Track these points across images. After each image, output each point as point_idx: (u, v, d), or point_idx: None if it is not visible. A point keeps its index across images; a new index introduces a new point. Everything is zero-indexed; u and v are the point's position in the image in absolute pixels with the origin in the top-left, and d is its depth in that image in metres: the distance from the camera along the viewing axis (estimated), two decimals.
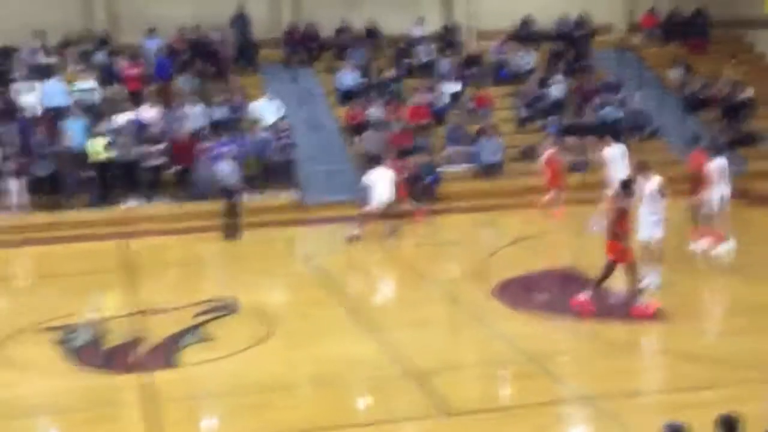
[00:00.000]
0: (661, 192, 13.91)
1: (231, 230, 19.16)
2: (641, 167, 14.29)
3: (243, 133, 22.15)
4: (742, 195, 19.88)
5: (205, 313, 13.98)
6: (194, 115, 22.77)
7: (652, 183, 13.85)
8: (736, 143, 24.44)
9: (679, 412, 9.92)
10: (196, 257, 18.83)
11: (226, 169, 19.06)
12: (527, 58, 26.54)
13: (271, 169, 21.95)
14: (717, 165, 16.21)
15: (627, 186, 13.06)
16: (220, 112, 23.14)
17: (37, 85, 23.16)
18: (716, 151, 16.59)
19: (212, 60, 24.68)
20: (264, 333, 13.01)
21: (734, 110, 25.05)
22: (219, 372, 11.74)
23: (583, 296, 13.09)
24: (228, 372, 11.70)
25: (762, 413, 8.93)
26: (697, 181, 16.54)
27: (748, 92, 25.56)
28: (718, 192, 16.13)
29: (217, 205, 20.24)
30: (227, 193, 19.24)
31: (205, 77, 24.68)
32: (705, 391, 10.44)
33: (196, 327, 13.35)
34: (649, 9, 28.52)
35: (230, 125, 22.82)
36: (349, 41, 26.45)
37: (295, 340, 12.92)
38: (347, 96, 24.88)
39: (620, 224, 12.68)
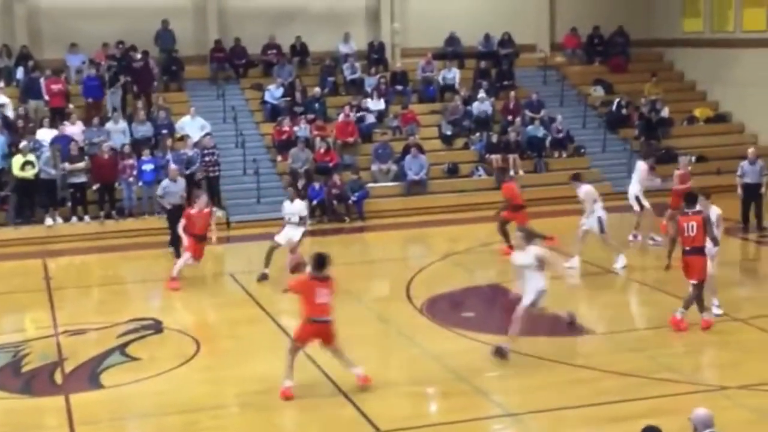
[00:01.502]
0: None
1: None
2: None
3: (167, 150, 21.88)
4: (661, 212, 20.28)
5: (129, 333, 13.77)
6: (117, 133, 22.46)
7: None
8: (656, 160, 24.96)
9: (604, 425, 10.13)
10: (119, 276, 18.53)
11: (171, 187, 18.60)
12: (452, 76, 26.81)
13: (196, 186, 21.71)
14: (585, 191, 16.45)
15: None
16: (143, 129, 22.87)
17: None
18: (578, 178, 16.94)
19: (136, 76, 24.38)
20: (190, 352, 12.85)
21: (653, 128, 25.61)
22: (144, 393, 11.55)
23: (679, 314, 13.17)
24: (153, 393, 11.53)
25: (683, 425, 9.11)
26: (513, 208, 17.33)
27: (667, 110, 26.19)
28: (594, 216, 16.31)
29: (140, 224, 20.02)
30: (172, 210, 18.71)
31: (129, 94, 24.38)
32: (628, 404, 10.61)
33: (120, 347, 13.13)
34: (571, 29, 29.04)
35: (154, 142, 22.57)
36: (275, 58, 26.39)
37: (222, 359, 12.79)
38: (274, 113, 24.82)
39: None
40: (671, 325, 13.01)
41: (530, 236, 12.54)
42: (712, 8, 27.47)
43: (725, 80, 26.78)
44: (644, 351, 12.37)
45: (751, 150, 19.48)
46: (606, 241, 16.58)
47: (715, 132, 26.62)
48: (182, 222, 16.56)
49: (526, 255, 12.13)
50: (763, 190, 18.62)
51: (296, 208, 16.91)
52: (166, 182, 18.66)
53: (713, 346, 12.70)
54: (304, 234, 16.95)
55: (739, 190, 18.81)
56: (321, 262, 11.28)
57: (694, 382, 11.19)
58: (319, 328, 11.11)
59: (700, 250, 12.79)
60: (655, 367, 11.72)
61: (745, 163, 18.91)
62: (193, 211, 16.55)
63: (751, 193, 18.63)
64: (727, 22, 27.02)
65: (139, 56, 24.49)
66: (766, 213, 19.17)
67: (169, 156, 21.50)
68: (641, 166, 18.73)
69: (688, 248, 12.86)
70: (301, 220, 16.85)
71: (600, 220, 16.32)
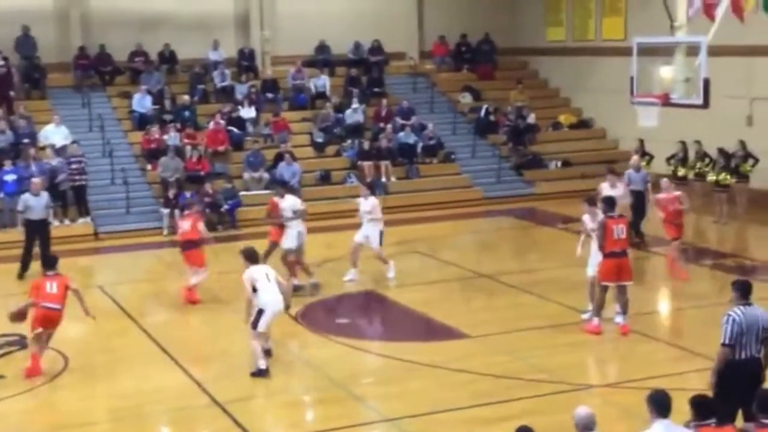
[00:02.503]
0: None
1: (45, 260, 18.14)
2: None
3: (30, 159, 21.17)
4: (530, 216, 20.85)
5: None
6: None
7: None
8: (522, 166, 25.63)
9: (479, 427, 10.31)
10: None
11: (32, 201, 17.80)
12: (323, 84, 26.85)
13: (62, 196, 21.13)
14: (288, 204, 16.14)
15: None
16: (3, 139, 22.09)
17: None
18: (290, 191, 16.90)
19: None
20: (58, 368, 12.47)
21: (520, 134, 26.23)
22: (9, 412, 11.15)
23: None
24: (19, 412, 11.16)
25: (556, 424, 9.35)
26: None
27: (533, 117, 26.87)
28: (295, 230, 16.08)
29: (2, 236, 19.35)
30: (34, 225, 17.95)
31: None
32: (502, 405, 10.82)
33: None
34: (439, 37, 29.47)
35: (15, 152, 21.82)
36: (143, 65, 25.90)
37: (92, 374, 12.46)
38: (142, 121, 24.34)
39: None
40: (589, 332, 13.26)
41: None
42: (573, 18, 28.35)
43: (587, 87, 27.66)
44: (516, 353, 12.64)
45: (634, 158, 19.72)
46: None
47: (579, 137, 27.47)
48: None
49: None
50: (649, 196, 18.71)
51: (370, 204, 16.52)
52: (26, 196, 17.79)
53: (581, 346, 13.05)
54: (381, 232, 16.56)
55: (628, 199, 18.81)
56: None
57: (564, 382, 11.49)
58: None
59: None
60: (527, 369, 11.99)
61: (630, 171, 19.07)
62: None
63: (638, 200, 18.84)
64: (587, 31, 27.92)
65: (9, 63, 23.65)
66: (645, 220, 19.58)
67: (33, 167, 20.82)
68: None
69: (619, 250, 13.03)
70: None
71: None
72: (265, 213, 17.18)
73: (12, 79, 23.92)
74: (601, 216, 13.32)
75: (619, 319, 13.33)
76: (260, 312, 12.03)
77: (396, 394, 11.43)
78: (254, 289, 12.00)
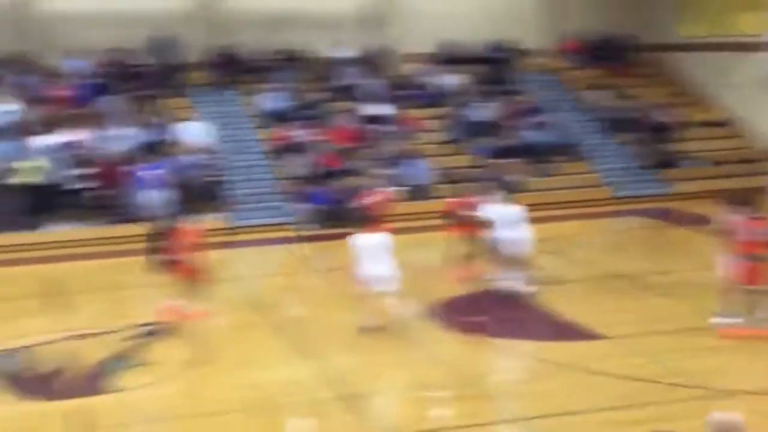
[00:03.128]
0: None
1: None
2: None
3: (170, 156, 21.81)
4: (664, 216, 20.32)
5: (134, 337, 13.70)
6: (120, 138, 22.41)
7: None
8: (658, 165, 25.00)
9: (615, 429, 10.07)
10: (123, 281, 18.44)
11: (155, 197, 18.61)
12: (453, 81, 26.77)
13: (198, 192, 21.70)
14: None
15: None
16: (147, 135, 22.82)
17: None
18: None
19: (138, 82, 24.33)
20: (195, 358, 12.78)
21: (655, 132, 25.59)
22: (149, 398, 11.48)
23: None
24: (158, 397, 11.46)
25: (693, 430, 9.05)
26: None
27: (669, 114, 26.18)
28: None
29: (142, 229, 19.93)
30: (157, 220, 18.75)
31: (132, 99, 24.34)
32: (638, 408, 10.55)
33: (125, 352, 13.07)
34: (572, 33, 29.03)
35: (157, 148, 22.51)
36: (274, 63, 26.35)
37: (227, 364, 12.71)
38: (272, 118, 24.77)
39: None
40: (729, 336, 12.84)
41: None
42: (713, 12, 27.48)
43: (727, 84, 26.76)
44: (653, 355, 12.31)
45: None
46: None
47: (717, 136, 26.60)
48: None
49: None
50: None
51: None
52: (153, 193, 18.65)
53: (721, 351, 12.61)
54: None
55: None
56: None
57: (703, 387, 11.12)
58: None
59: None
60: (664, 372, 11.66)
61: None
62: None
63: None
64: (728, 26, 27.00)
65: (151, 63, 24.45)
66: None
67: (170, 163, 21.46)
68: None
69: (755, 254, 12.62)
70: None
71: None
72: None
73: (156, 78, 24.69)
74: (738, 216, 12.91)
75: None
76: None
77: (529, 394, 11.28)
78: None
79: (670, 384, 11.23)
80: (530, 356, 12.41)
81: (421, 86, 26.80)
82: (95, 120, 23.28)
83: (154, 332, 14.04)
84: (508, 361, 12.54)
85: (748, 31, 25.92)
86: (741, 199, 13.66)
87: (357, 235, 13.35)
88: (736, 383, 11.52)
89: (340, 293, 16.22)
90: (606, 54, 28.90)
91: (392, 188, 19.26)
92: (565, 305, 14.78)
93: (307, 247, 18.53)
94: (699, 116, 27.07)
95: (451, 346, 13.18)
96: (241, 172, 23.13)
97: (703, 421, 7.14)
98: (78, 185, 21.01)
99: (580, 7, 29.19)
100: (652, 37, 29.28)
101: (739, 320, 12.98)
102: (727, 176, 23.54)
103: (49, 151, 21.40)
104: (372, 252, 13.18)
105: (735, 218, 12.91)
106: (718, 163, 25.03)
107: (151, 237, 18.50)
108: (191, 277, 14.10)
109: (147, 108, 23.92)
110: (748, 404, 10.64)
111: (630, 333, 13.34)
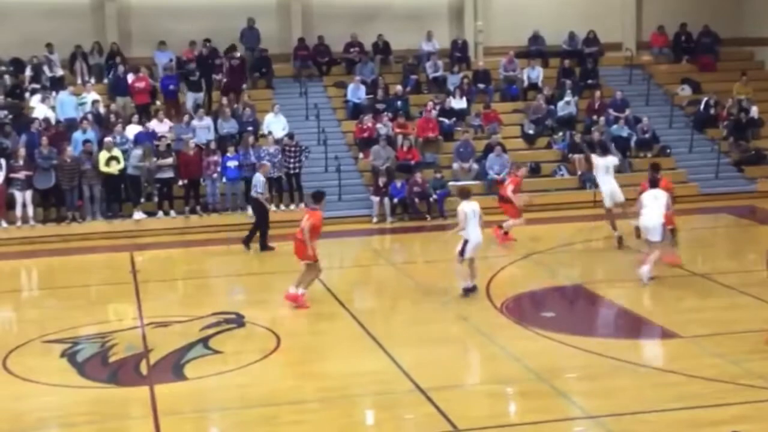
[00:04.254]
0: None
1: (264, 241, 19.25)
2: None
3: (249, 147, 22.11)
4: (749, 214, 19.90)
5: (212, 326, 13.98)
6: (202, 129, 22.83)
7: None
8: (745, 162, 24.47)
9: (688, 430, 9.94)
10: (202, 270, 18.83)
11: (261, 181, 19.03)
12: (535, 75, 26.60)
13: (280, 182, 21.99)
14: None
15: None
16: (228, 126, 23.20)
17: (51, 97, 23.32)
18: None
19: (222, 74, 24.73)
20: (271, 347, 13.00)
21: (742, 128, 25.05)
22: (225, 385, 11.72)
23: None
24: (234, 385, 11.69)
25: None
26: None
27: (756, 110, 25.59)
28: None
29: (223, 219, 20.40)
30: (261, 204, 19.18)
31: (215, 91, 24.77)
32: (712, 409, 10.40)
33: (203, 340, 13.35)
34: (658, 27, 28.55)
35: (239, 139, 22.87)
36: (358, 56, 26.51)
37: (303, 354, 12.91)
38: (356, 110, 24.93)
39: None
40: None
41: None
42: None
43: None
44: (729, 356, 12.10)
45: None
46: None
47: None
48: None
49: None
50: None
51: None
52: (258, 176, 19.11)
53: None
54: None
55: None
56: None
57: None
58: None
59: None
60: (741, 373, 11.46)
61: None
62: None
63: None
64: None
65: (237, 55, 24.85)
66: None
67: (252, 154, 21.78)
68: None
69: None
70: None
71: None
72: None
73: (244, 70, 25.07)
74: None
75: None
76: (465, 242, 14.58)
77: (600, 392, 11.20)
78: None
79: (746, 385, 11.04)
80: (603, 353, 12.31)
81: (506, 80, 26.66)
82: (177, 111, 23.77)
83: (231, 321, 14.31)
84: (581, 357, 12.46)
85: None
86: None
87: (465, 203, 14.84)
88: None
89: (417, 286, 16.32)
90: (694, 48, 28.35)
91: (523, 170, 19.65)
92: (642, 303, 14.62)
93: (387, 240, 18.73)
94: None
95: (525, 342, 13.15)
96: (322, 163, 23.33)
97: None
98: (161, 175, 21.46)
99: (669, 1, 28.66)
100: (742, 30, 28.62)
101: None
102: None
103: (133, 141, 21.90)
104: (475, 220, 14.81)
105: None
106: None
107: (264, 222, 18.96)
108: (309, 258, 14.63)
109: (231, 99, 24.28)
110: None
111: (706, 333, 13.13)
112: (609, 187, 18.23)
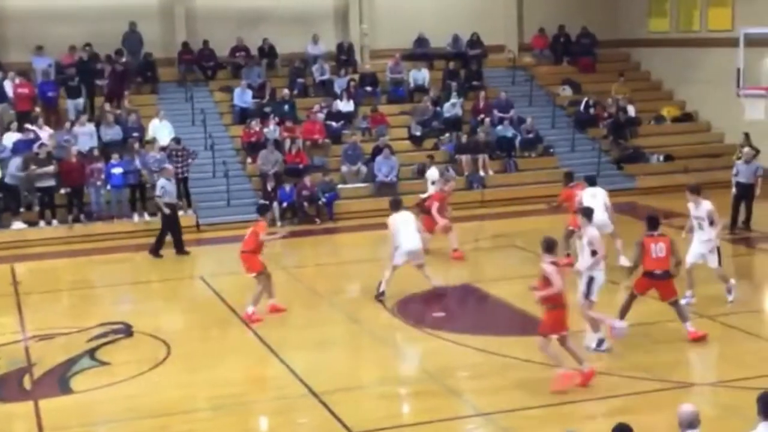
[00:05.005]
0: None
1: (178, 246, 19.01)
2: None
3: (134, 153, 21.71)
4: (629, 211, 20.48)
5: (99, 337, 13.67)
6: (85, 136, 22.30)
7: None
8: (625, 160, 25.20)
9: (575, 423, 10.18)
10: (87, 280, 18.39)
11: (168, 186, 18.72)
12: (421, 77, 26.86)
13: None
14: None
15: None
16: (112, 133, 22.71)
17: None
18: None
19: (111, 79, 24.20)
20: (161, 356, 12.79)
21: (621, 127, 25.79)
22: (114, 397, 11.47)
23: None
24: (124, 397, 11.45)
25: (654, 423, 9.19)
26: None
27: (634, 110, 26.40)
28: None
29: (108, 227, 20.00)
30: (170, 208, 18.85)
31: (97, 96, 24.22)
32: (600, 401, 10.68)
33: (89, 352, 13.05)
34: (539, 29, 29.18)
35: (122, 145, 22.41)
36: (244, 60, 26.31)
37: (194, 362, 12.72)
38: (243, 115, 24.73)
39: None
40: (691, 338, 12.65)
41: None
42: (678, 8, 27.73)
43: (691, 79, 27.04)
44: (614, 349, 12.43)
45: (746, 149, 19.50)
46: None
47: (682, 131, 26.86)
48: None
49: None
50: (757, 191, 18.58)
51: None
52: (163, 181, 18.87)
53: (682, 344, 12.77)
54: None
55: (733, 189, 18.84)
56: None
57: (664, 380, 11.27)
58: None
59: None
60: (626, 366, 11.79)
61: (739, 163, 18.94)
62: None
63: (744, 192, 18.65)
64: (692, 22, 27.28)
65: (123, 59, 24.33)
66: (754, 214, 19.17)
67: (137, 160, 21.40)
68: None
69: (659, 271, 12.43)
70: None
71: None
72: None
73: (126, 75, 24.56)
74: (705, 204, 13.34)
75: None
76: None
77: (491, 389, 11.37)
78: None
79: (631, 377, 11.37)
80: (493, 351, 12.51)
81: (392, 82, 26.85)
82: (58, 118, 23.16)
83: (119, 331, 14.02)
84: (472, 356, 12.63)
85: (714, 27, 26.16)
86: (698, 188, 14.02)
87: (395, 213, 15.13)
88: (694, 376, 11.68)
89: (308, 290, 16.28)
90: (574, 49, 29.07)
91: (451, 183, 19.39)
92: (529, 300, 14.87)
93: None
94: (665, 111, 27.30)
95: (417, 342, 13.26)
96: (210, 168, 23.05)
97: (664, 414, 7.28)
98: (42, 183, 20.86)
99: (549, 3, 29.32)
100: (618, 32, 29.50)
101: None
102: (690, 171, 23.78)
103: (12, 148, 21.24)
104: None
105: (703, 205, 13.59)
106: (682, 157, 25.25)
107: (169, 227, 18.68)
108: None
109: (114, 105, 23.79)
110: (706, 396, 10.80)
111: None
112: None
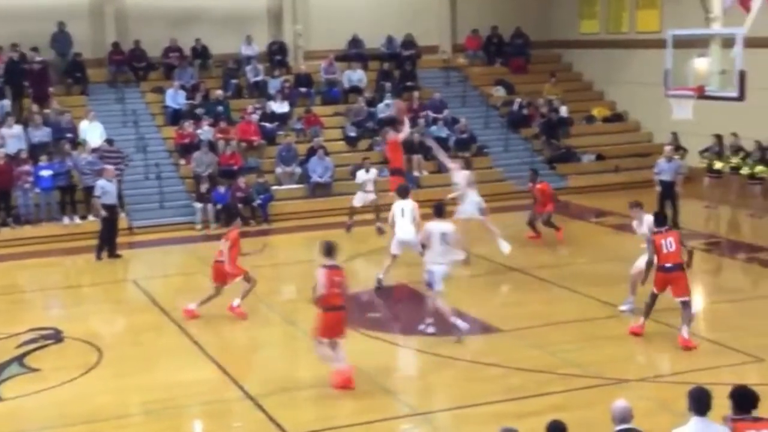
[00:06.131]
0: None
1: (111, 248, 18.67)
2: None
3: (65, 155, 21.34)
4: (562, 209, 20.73)
5: (28, 343, 13.41)
6: (12, 138, 21.85)
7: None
8: (555, 160, 25.49)
9: (511, 421, 10.24)
10: (16, 285, 18.03)
11: (108, 187, 18.43)
12: (356, 78, 26.86)
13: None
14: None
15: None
16: (40, 134, 22.30)
17: None
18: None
19: (32, 80, 23.75)
20: (92, 361, 12.58)
21: (553, 127, 26.09)
22: (45, 404, 11.27)
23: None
24: (54, 404, 11.26)
25: (588, 419, 9.30)
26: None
27: (566, 110, 26.72)
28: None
29: (37, 231, 19.61)
30: (108, 211, 18.54)
31: (25, 98, 23.75)
32: (534, 399, 10.78)
33: (18, 358, 12.79)
34: (472, 30, 29.37)
35: (52, 147, 22.01)
36: (176, 61, 26.03)
37: (126, 367, 12.55)
38: (176, 116, 24.47)
39: None
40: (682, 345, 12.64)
41: None
42: (607, 10, 28.14)
43: (621, 80, 27.45)
44: (548, 347, 12.58)
45: (667, 148, 19.98)
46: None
47: (613, 131, 27.25)
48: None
49: None
50: (678, 188, 19.00)
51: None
52: (102, 182, 18.58)
53: (613, 340, 12.96)
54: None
55: (657, 187, 19.24)
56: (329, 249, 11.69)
57: (597, 376, 11.42)
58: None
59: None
60: (560, 363, 11.93)
61: (662, 161, 19.34)
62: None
63: (667, 190, 19.04)
64: (622, 24, 27.70)
65: (38, 59, 23.88)
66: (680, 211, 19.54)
67: (68, 162, 21.05)
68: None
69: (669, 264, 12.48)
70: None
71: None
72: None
73: (48, 75, 24.10)
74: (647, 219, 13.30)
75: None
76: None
77: (427, 388, 11.42)
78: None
79: (564, 374, 11.50)
80: (429, 351, 12.55)
81: (326, 83, 26.79)
82: None
83: (48, 336, 13.77)
84: (407, 356, 12.67)
85: (643, 28, 26.59)
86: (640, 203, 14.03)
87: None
88: (628, 372, 11.85)
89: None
90: (506, 50, 29.31)
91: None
92: (463, 299, 14.99)
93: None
94: (596, 111, 27.68)
95: (352, 343, 13.22)
96: (142, 170, 22.76)
97: (598, 410, 7.38)
98: None
99: (482, 4, 29.52)
100: (550, 33, 29.84)
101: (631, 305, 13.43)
102: (621, 170, 24.17)
103: None
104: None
105: (645, 218, 13.42)
106: (613, 157, 25.62)
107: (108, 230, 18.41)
108: None
109: (42, 106, 23.35)
110: (638, 392, 10.96)
111: (525, 326, 13.60)
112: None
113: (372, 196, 20.59)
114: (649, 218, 13.41)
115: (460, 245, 13.95)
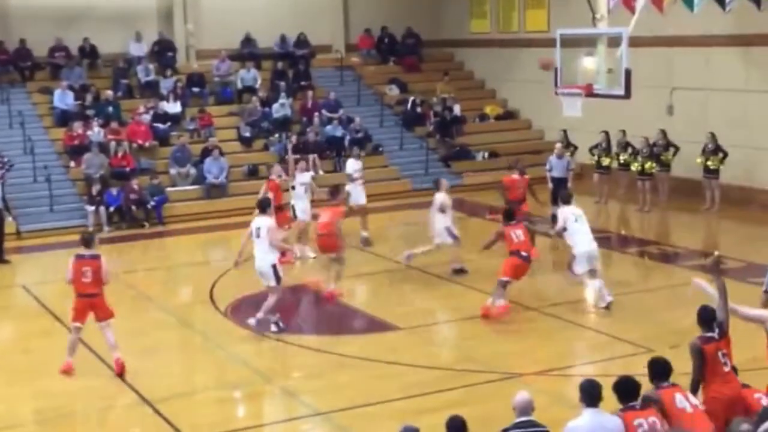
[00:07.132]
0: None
1: None
2: None
3: None
4: (457, 207, 20.95)
5: None
6: None
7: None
8: (450, 158, 25.79)
9: (411, 418, 10.32)
10: None
11: None
12: (250, 77, 26.66)
13: None
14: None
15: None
16: None
17: None
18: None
19: None
20: None
21: (447, 126, 26.38)
22: None
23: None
24: None
25: (486, 413, 9.44)
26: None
27: (459, 108, 27.04)
28: None
29: None
30: None
31: None
32: (433, 396, 10.88)
33: None
34: (365, 30, 29.47)
35: None
36: (64, 60, 25.40)
37: (16, 374, 12.22)
38: (64, 117, 23.87)
39: None
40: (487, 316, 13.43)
41: None
42: (497, 9, 28.60)
43: (512, 78, 27.92)
44: (445, 343, 12.72)
45: (558, 145, 20.37)
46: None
47: (505, 128, 27.72)
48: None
49: None
50: (569, 184, 19.39)
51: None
52: None
53: (510, 335, 13.19)
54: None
55: (549, 184, 19.63)
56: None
57: (494, 371, 11.59)
58: None
59: None
60: (457, 359, 12.08)
61: (552, 158, 19.73)
62: None
63: (558, 187, 19.38)
64: (512, 23, 28.19)
65: None
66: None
67: None
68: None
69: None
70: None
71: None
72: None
73: None
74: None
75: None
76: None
77: (327, 388, 11.42)
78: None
79: (462, 370, 11.65)
80: (328, 350, 12.56)
81: (220, 83, 26.52)
82: None
83: None
84: (307, 356, 12.65)
85: (532, 28, 27.10)
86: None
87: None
88: (524, 366, 12.08)
89: (139, 295, 15.90)
90: (399, 49, 29.52)
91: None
92: (361, 298, 15.07)
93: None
94: (488, 109, 28.09)
95: (251, 344, 13.16)
96: (30, 173, 22.13)
97: (496, 404, 7.52)
98: None
99: (374, 4, 29.65)
100: (442, 33, 30.16)
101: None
102: (512, 168, 24.49)
103: None
104: None
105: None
106: (505, 154, 26.03)
107: None
108: None
109: None
110: (534, 385, 11.18)
111: (423, 323, 13.72)
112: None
113: (361, 199, 19.22)
114: (564, 211, 14.12)
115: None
